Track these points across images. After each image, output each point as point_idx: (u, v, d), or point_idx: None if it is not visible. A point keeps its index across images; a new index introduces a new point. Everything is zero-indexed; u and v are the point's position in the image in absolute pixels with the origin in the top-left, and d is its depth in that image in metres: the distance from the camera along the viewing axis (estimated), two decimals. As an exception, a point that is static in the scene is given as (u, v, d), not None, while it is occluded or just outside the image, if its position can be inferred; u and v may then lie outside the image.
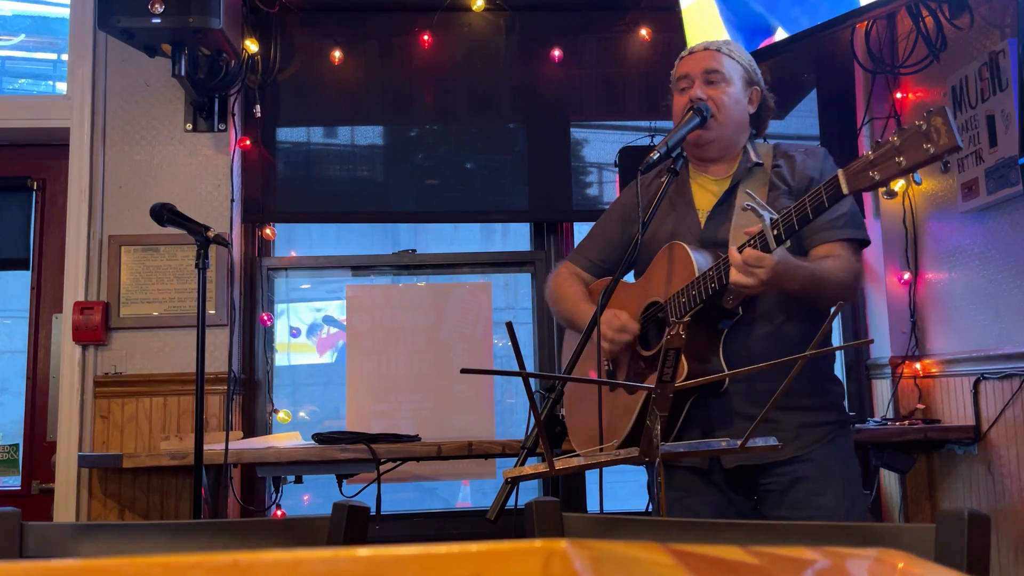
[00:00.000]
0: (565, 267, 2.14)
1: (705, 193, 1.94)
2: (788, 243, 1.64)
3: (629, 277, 2.10)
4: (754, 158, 1.91)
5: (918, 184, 2.91)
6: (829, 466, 1.80)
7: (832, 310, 1.16)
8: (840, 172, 1.56)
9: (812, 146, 1.99)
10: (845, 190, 1.54)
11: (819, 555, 0.52)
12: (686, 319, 1.72)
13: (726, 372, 1.69)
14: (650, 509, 2.33)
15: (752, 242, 1.63)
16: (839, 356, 3.29)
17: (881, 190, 1.52)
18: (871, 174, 1.50)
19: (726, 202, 1.89)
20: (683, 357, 1.71)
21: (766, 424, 1.78)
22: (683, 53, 2.00)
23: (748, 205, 1.63)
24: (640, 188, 1.97)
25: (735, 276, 1.63)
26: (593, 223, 2.18)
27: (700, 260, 1.77)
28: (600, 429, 1.97)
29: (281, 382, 3.38)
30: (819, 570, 0.50)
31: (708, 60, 1.91)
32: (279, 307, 3.39)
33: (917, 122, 1.43)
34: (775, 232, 1.60)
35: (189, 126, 3.11)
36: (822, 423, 1.84)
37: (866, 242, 1.88)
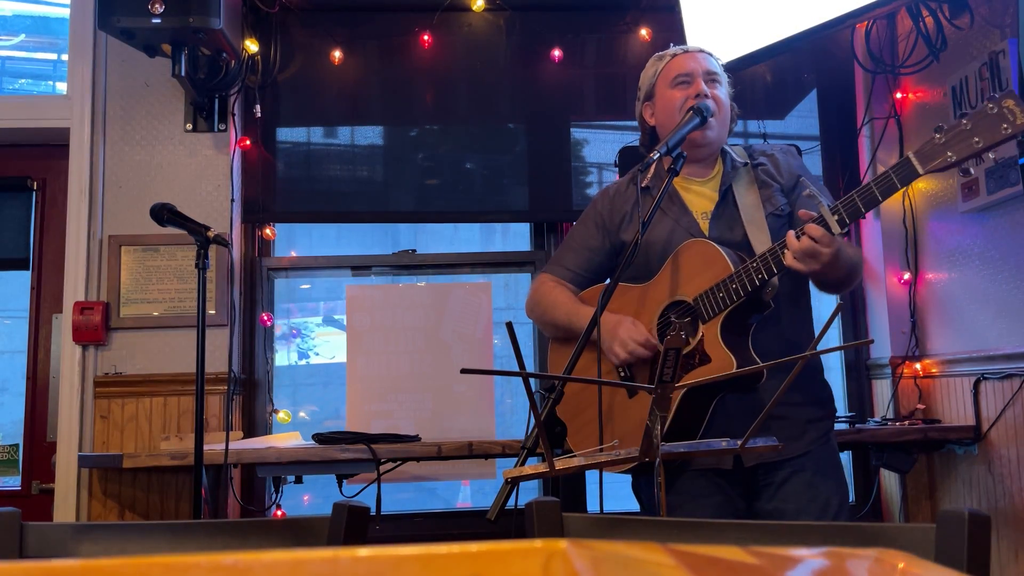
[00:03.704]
0: (545, 278, 2.10)
1: (696, 197, 1.95)
2: (847, 229, 1.68)
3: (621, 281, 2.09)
4: (737, 158, 1.96)
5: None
6: (825, 461, 1.86)
7: (833, 310, 1.16)
8: (911, 154, 1.59)
9: (783, 145, 2.06)
10: (920, 170, 1.58)
11: (819, 555, 0.52)
12: (721, 316, 1.74)
13: (734, 368, 1.68)
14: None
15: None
16: (838, 356, 3.31)
17: (955, 170, 1.59)
18: (948, 155, 1.56)
19: (724, 203, 1.91)
20: (728, 352, 1.72)
21: (779, 421, 1.79)
22: (673, 51, 2.02)
23: (809, 191, 1.73)
24: (610, 198, 2.01)
25: (792, 260, 1.65)
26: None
27: (730, 256, 1.77)
28: (600, 429, 1.97)
29: (281, 382, 3.38)
30: (819, 570, 0.50)
31: (707, 62, 1.97)
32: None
33: (988, 105, 1.52)
34: (836, 217, 1.63)
35: (189, 126, 3.11)
36: (821, 419, 1.89)
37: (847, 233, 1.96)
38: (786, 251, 1.66)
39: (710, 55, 1.99)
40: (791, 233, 1.66)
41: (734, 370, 1.68)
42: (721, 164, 1.96)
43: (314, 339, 6.50)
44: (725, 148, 1.98)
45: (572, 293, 2.05)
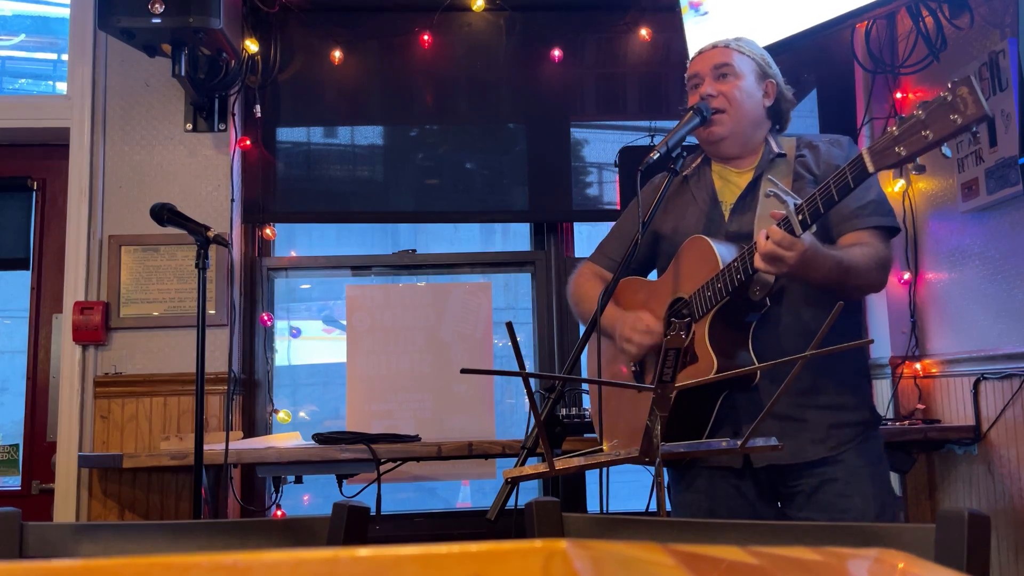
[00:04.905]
0: (587, 267, 2.12)
1: (728, 186, 1.93)
2: (814, 228, 1.62)
3: (651, 275, 2.10)
4: (776, 148, 1.90)
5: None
6: (858, 468, 1.77)
7: (833, 309, 1.16)
8: (864, 151, 1.53)
9: (837, 136, 1.97)
10: (871, 168, 1.52)
11: (819, 555, 0.52)
12: (709, 315, 1.73)
13: (715, 367, 1.68)
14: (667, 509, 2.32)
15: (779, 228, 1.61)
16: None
17: (909, 166, 1.49)
18: (897, 150, 1.47)
19: (750, 194, 1.87)
20: (711, 352, 1.71)
21: (797, 423, 1.76)
22: (694, 54, 2.01)
23: (771, 191, 1.62)
24: (653, 189, 1.99)
25: (760, 262, 1.60)
26: (612, 223, 2.18)
27: (724, 252, 1.75)
28: (600, 429, 1.97)
29: (281, 382, 3.38)
30: (819, 570, 0.50)
31: (717, 56, 1.92)
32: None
33: (942, 94, 1.41)
34: (800, 217, 1.58)
35: (189, 126, 3.11)
36: (852, 423, 1.80)
37: (896, 230, 1.85)
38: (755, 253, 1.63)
39: (727, 46, 1.93)
40: (761, 234, 1.62)
41: (715, 370, 1.67)
42: (762, 154, 1.92)
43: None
44: (768, 138, 1.93)
45: (605, 285, 2.06)
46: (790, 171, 1.86)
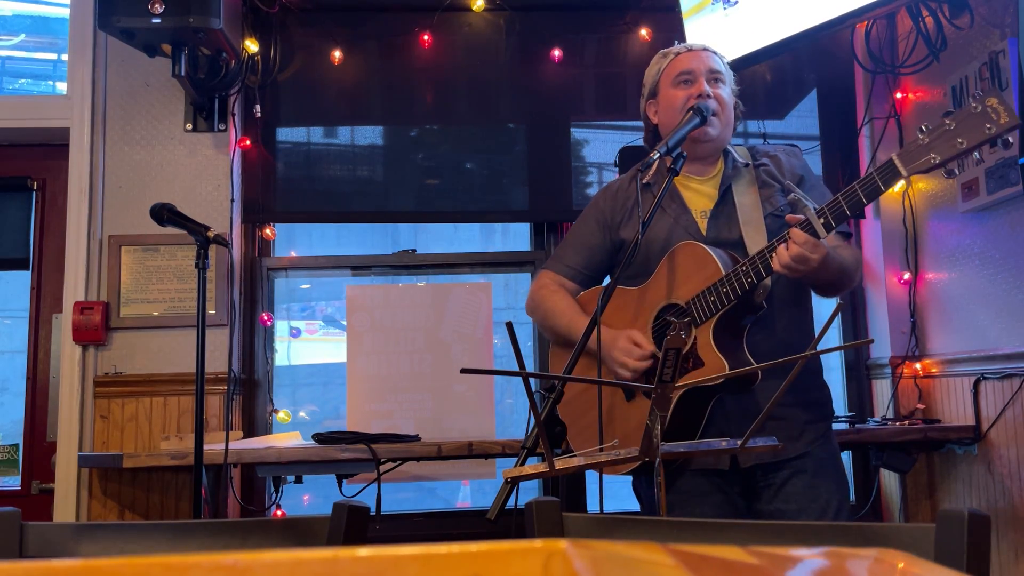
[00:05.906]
0: (547, 277, 2.09)
1: (695, 195, 1.95)
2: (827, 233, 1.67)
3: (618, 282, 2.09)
4: (739, 159, 1.96)
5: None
6: (825, 461, 1.86)
7: (833, 310, 1.16)
8: (894, 156, 1.58)
9: (786, 146, 2.06)
10: (904, 173, 1.57)
11: (819, 555, 0.52)
12: (713, 320, 1.74)
13: (727, 371, 1.68)
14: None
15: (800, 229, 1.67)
16: (838, 356, 3.31)
17: (941, 171, 1.56)
18: (931, 157, 1.53)
19: (724, 202, 1.91)
20: (720, 355, 1.72)
21: (777, 422, 1.80)
22: (677, 49, 2.02)
23: (793, 195, 1.71)
24: (612, 195, 2.01)
25: (781, 266, 1.64)
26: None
27: (721, 258, 1.77)
28: (600, 429, 1.97)
29: (281, 382, 3.38)
30: (819, 570, 0.50)
31: (710, 60, 1.96)
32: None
33: (972, 104, 1.49)
34: (822, 220, 1.63)
35: (189, 126, 3.11)
36: (819, 419, 1.89)
37: (850, 235, 1.97)
38: (774, 255, 1.67)
39: (715, 53, 1.98)
40: (781, 245, 1.67)
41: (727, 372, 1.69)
42: (722, 163, 1.96)
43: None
44: (728, 148, 1.98)
45: (572, 297, 2.05)
46: (754, 179, 1.92)
